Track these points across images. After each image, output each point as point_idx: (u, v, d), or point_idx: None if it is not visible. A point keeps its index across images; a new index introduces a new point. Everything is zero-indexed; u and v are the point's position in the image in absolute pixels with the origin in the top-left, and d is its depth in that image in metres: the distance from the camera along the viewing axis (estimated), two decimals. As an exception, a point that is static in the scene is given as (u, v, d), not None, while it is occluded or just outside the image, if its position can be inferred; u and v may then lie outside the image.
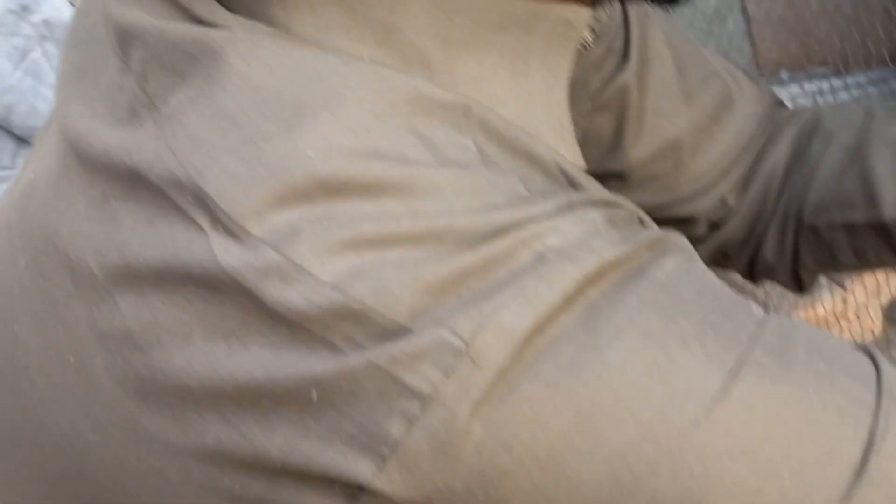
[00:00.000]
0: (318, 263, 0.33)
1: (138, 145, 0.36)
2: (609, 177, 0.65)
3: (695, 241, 0.65)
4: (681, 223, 0.67)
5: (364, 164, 0.34)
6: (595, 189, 0.41)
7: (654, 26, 0.62)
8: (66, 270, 0.37)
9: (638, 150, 0.63)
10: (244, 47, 0.36)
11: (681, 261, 0.37)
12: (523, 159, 0.39)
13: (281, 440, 0.34)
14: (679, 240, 0.39)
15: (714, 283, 0.38)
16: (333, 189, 0.34)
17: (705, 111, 0.64)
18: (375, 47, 0.38)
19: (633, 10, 0.60)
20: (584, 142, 0.62)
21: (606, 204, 0.39)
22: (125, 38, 0.39)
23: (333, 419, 0.34)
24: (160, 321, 0.35)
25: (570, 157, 0.42)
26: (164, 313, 0.34)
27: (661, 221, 0.66)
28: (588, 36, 0.44)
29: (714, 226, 0.67)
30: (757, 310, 0.38)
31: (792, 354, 0.36)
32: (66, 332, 0.37)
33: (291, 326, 0.33)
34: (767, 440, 0.34)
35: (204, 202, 0.34)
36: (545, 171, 0.39)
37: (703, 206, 0.66)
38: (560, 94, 0.43)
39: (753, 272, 0.69)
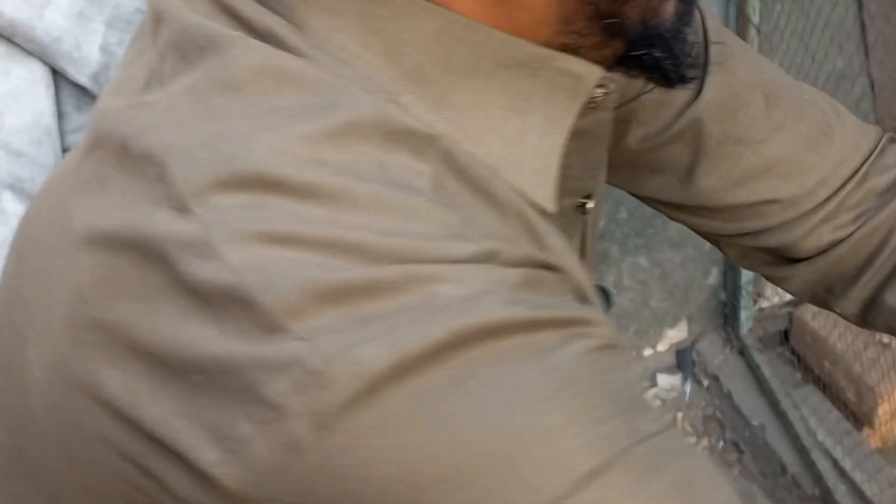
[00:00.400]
0: (230, 247, 0.36)
1: (134, 116, 0.40)
2: (694, 208, 0.65)
3: (794, 267, 0.66)
4: (777, 251, 0.67)
5: (304, 168, 0.37)
6: (553, 242, 0.43)
7: (737, 62, 0.63)
8: (63, 228, 0.41)
9: (715, 179, 0.64)
10: (243, 52, 0.39)
11: (591, 349, 0.38)
12: (481, 197, 0.40)
13: (160, 412, 0.36)
14: (602, 329, 0.39)
15: (621, 381, 0.38)
16: (269, 185, 0.37)
17: (799, 140, 0.64)
18: (379, 57, 0.41)
19: (711, 48, 0.62)
20: (660, 170, 0.64)
21: (542, 266, 0.40)
22: (157, 21, 0.43)
23: (205, 405, 0.36)
24: (106, 280, 0.38)
25: (543, 201, 0.43)
26: (111, 273, 0.38)
27: (758, 249, 0.66)
28: (600, 92, 0.46)
29: (818, 252, 0.66)
30: (659, 421, 0.39)
31: (659, 477, 0.37)
32: (49, 280, 0.41)
33: (196, 301, 0.36)
34: None
35: (164, 178, 0.38)
36: (502, 213, 0.41)
37: (795, 235, 0.65)
38: (555, 142, 0.44)
39: (868, 317, 0.67)
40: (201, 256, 0.36)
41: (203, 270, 0.36)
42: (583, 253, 0.56)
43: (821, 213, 0.65)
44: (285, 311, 0.35)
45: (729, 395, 1.77)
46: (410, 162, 0.39)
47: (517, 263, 0.38)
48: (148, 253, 0.37)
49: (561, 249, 0.43)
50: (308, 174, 0.37)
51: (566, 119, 0.45)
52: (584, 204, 0.52)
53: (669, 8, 0.45)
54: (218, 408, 0.35)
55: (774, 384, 1.71)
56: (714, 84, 0.62)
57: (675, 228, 1.73)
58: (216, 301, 0.36)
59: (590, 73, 0.45)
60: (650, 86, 0.53)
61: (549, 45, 0.43)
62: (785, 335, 1.86)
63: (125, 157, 0.40)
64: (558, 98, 0.44)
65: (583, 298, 0.43)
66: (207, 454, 0.35)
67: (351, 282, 0.35)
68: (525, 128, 0.43)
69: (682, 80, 0.47)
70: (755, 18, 1.57)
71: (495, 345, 0.36)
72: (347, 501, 0.35)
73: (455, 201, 0.39)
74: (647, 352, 1.84)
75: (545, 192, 0.43)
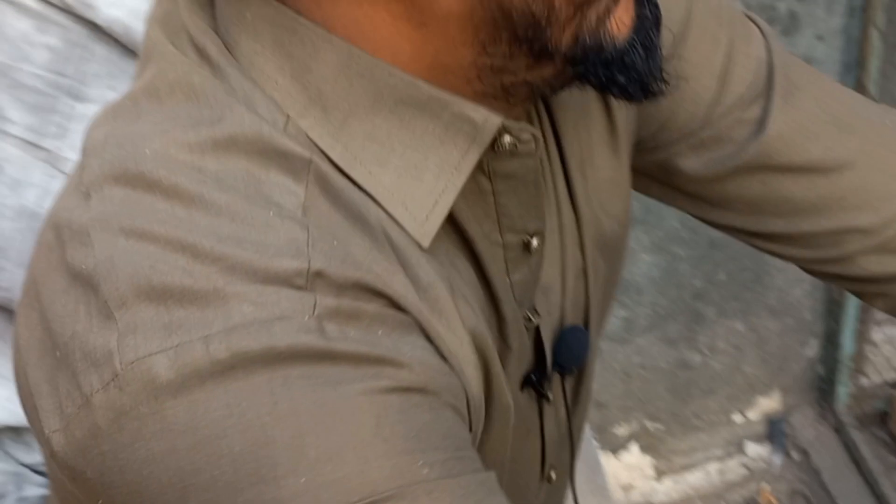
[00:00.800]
0: (100, 237, 0.41)
1: (97, 114, 0.48)
2: (770, 235, 0.65)
3: (881, 285, 0.64)
4: (860, 280, 0.65)
5: (179, 173, 0.41)
6: (424, 273, 0.45)
7: (804, 94, 0.62)
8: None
9: (789, 206, 0.63)
10: (170, 65, 0.45)
11: (379, 388, 0.40)
12: (352, 222, 0.43)
13: (39, 374, 0.42)
14: (405, 372, 0.41)
15: (407, 423, 0.40)
16: (148, 183, 0.42)
17: (878, 168, 0.63)
18: (289, 80, 0.45)
19: (777, 81, 0.62)
20: (731, 201, 0.64)
21: (377, 294, 0.42)
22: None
23: (59, 378, 0.41)
24: (37, 249, 0.46)
25: (419, 237, 0.45)
26: (40, 243, 0.46)
27: (841, 278, 0.66)
28: (508, 140, 0.48)
29: None
30: (442, 467, 0.40)
31: None
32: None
33: (71, 282, 0.41)
34: None
35: (83, 168, 0.44)
36: (372, 238, 0.44)
37: (879, 264, 0.64)
38: (451, 183, 0.46)
39: None
40: (82, 243, 0.41)
41: (79, 255, 0.41)
42: (533, 284, 0.56)
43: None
44: (115, 299, 0.39)
45: (818, 472, 1.71)
46: (287, 181, 0.43)
47: (342, 288, 0.41)
48: (58, 233, 0.43)
49: (431, 281, 0.45)
50: (179, 178, 0.41)
51: (464, 163, 0.46)
52: (529, 243, 0.53)
53: (621, 26, 0.46)
54: (62, 386, 0.41)
55: (874, 465, 1.65)
56: (778, 117, 0.61)
57: (774, 296, 1.69)
58: (81, 284, 0.41)
59: (487, 120, 0.46)
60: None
61: (475, 66, 0.45)
62: (883, 417, 1.79)
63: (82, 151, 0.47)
64: (456, 141, 0.46)
65: (410, 334, 0.43)
66: (51, 421, 0.41)
67: (170, 283, 0.39)
68: (423, 165, 0.46)
69: (647, 94, 0.48)
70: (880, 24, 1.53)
71: (278, 371, 0.38)
72: (129, 491, 0.39)
73: (322, 222, 0.42)
74: (738, 418, 1.80)
75: (426, 228, 0.45)
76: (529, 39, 0.44)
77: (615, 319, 1.63)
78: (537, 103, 0.54)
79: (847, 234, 0.63)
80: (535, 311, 0.56)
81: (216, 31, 0.46)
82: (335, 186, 0.44)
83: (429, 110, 0.46)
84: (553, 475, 0.64)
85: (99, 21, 0.94)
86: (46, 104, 0.95)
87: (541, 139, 0.50)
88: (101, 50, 0.97)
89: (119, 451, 0.39)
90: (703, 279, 1.65)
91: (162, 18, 0.47)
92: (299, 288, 0.40)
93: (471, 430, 0.47)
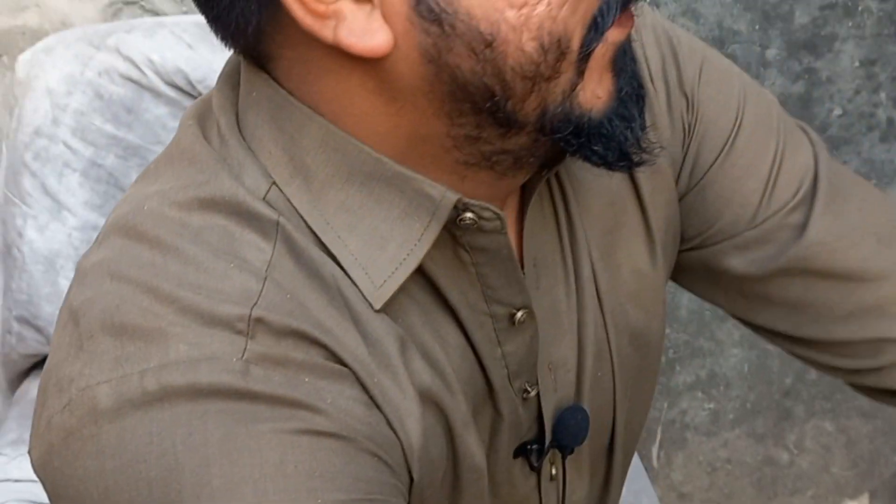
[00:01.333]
0: (92, 279, 0.47)
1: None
2: (803, 340, 0.65)
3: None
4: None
5: (164, 227, 0.48)
6: (374, 328, 0.49)
7: (848, 203, 0.64)
8: None
9: (825, 311, 0.64)
10: (183, 135, 0.53)
11: (290, 429, 0.44)
12: (311, 279, 0.48)
13: (37, 402, 0.48)
14: (320, 418, 0.45)
15: (312, 462, 0.43)
16: (137, 235, 0.48)
17: None
18: (280, 150, 0.50)
19: (820, 188, 0.64)
20: (769, 301, 0.65)
21: (314, 343, 0.46)
22: None
23: (43, 399, 0.47)
24: None
25: (372, 299, 0.50)
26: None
27: (875, 390, 0.67)
28: (470, 216, 0.51)
29: None
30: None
31: None
32: None
33: (67, 317, 0.48)
34: None
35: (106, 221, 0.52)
36: (327, 294, 0.48)
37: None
38: (412, 253, 0.50)
39: None
40: (80, 283, 0.48)
41: (75, 294, 0.48)
42: (529, 357, 0.57)
43: None
44: (87, 333, 0.45)
45: (908, 583, 1.66)
46: (257, 240, 0.48)
47: (278, 335, 0.45)
48: (75, 276, 0.50)
49: (380, 338, 0.49)
50: (162, 230, 0.48)
51: (426, 236, 0.50)
52: (514, 315, 0.55)
53: (595, 100, 0.49)
54: (39, 408, 0.47)
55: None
56: (819, 224, 0.62)
57: (865, 398, 1.66)
58: (72, 319, 0.47)
59: (444, 197, 0.50)
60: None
61: (450, 136, 0.49)
62: (978, 528, 1.73)
63: None
64: (419, 215, 0.50)
65: (349, 384, 0.47)
66: (31, 440, 0.47)
67: (129, 321, 0.45)
68: (388, 235, 0.50)
69: (627, 164, 0.51)
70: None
71: (199, 405, 0.43)
72: (70, 500, 0.44)
73: (284, 278, 0.47)
74: (824, 520, 1.76)
75: (380, 292, 0.50)
76: (491, 111, 0.48)
77: (702, 412, 1.62)
78: (541, 176, 0.56)
79: (883, 343, 0.63)
80: (535, 384, 0.58)
81: (236, 107, 0.52)
82: (299, 246, 0.49)
83: (395, 185, 0.50)
84: None
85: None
86: (175, 185, 1.01)
87: (506, 219, 0.52)
88: (227, 136, 1.03)
89: (65, 467, 0.44)
90: (793, 377, 1.63)
91: (200, 103, 0.55)
92: (238, 332, 0.45)
93: (412, 480, 0.50)
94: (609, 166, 0.51)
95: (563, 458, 0.62)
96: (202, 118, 0.53)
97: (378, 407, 0.48)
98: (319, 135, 0.49)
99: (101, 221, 0.97)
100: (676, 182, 0.64)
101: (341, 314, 0.48)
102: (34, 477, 0.97)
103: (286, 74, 0.50)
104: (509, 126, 0.49)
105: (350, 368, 0.48)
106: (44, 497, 0.96)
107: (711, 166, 0.64)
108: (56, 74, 0.99)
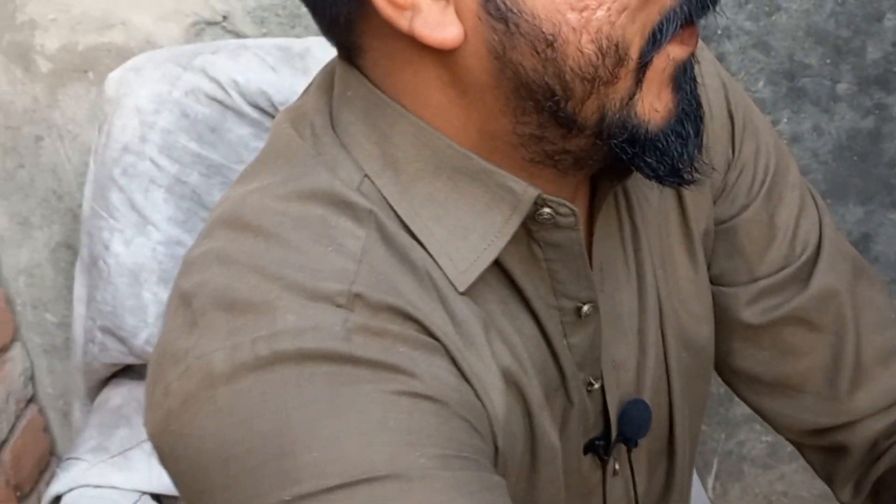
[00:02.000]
0: (201, 267, 0.52)
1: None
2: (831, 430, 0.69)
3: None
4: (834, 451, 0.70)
5: (267, 217, 0.52)
6: (459, 309, 0.52)
7: (843, 262, 0.69)
8: None
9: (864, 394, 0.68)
10: (278, 136, 0.57)
11: (391, 390, 0.47)
12: (401, 263, 0.52)
13: (148, 383, 0.52)
14: (418, 382, 0.48)
15: (411, 420, 0.47)
16: (243, 225, 0.52)
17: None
18: (372, 145, 0.54)
19: (824, 247, 0.69)
20: (789, 352, 0.69)
21: (408, 318, 0.49)
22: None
23: (156, 376, 0.51)
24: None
25: (457, 282, 0.53)
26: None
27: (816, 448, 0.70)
28: (548, 211, 0.54)
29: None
30: (435, 460, 0.46)
31: (410, 498, 0.45)
32: None
33: (179, 302, 0.52)
34: None
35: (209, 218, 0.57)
36: (417, 278, 0.52)
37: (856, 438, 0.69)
38: (493, 244, 0.54)
39: None
40: (189, 271, 0.52)
41: (186, 280, 0.52)
42: (592, 351, 0.61)
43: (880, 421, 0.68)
44: (199, 311, 0.49)
45: None
46: (353, 227, 0.52)
47: (375, 310, 0.49)
48: (182, 267, 0.53)
49: (465, 318, 0.53)
50: (264, 220, 0.52)
51: (506, 228, 0.53)
52: (581, 309, 0.58)
53: (653, 113, 0.51)
54: (156, 382, 0.50)
55: None
56: (821, 279, 0.67)
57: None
58: (183, 303, 0.51)
59: (525, 191, 0.53)
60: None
61: (516, 134, 0.52)
62: None
63: None
64: (501, 208, 0.53)
65: (440, 356, 0.51)
66: (147, 412, 0.51)
67: (239, 297, 0.49)
68: (471, 226, 0.53)
69: (677, 181, 0.53)
70: None
71: (306, 368, 0.47)
72: (189, 462, 0.47)
73: (376, 261, 0.51)
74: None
75: (464, 277, 0.53)
76: (553, 111, 0.51)
77: (759, 444, 1.61)
78: (615, 185, 0.59)
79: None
80: (598, 378, 0.61)
81: (330, 108, 0.56)
82: (391, 233, 0.52)
83: (479, 179, 0.53)
84: None
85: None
86: (255, 203, 1.04)
87: (580, 215, 0.55)
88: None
89: (184, 428, 0.48)
90: None
91: (291, 108, 0.59)
92: (339, 306, 0.49)
93: (497, 449, 0.53)
94: (660, 180, 0.53)
95: (629, 452, 0.65)
96: (295, 121, 0.57)
97: (466, 379, 0.51)
98: (410, 131, 0.53)
99: (184, 237, 1.00)
100: (714, 204, 0.68)
101: (430, 295, 0.52)
102: (113, 483, 1.00)
103: (373, 67, 0.54)
104: (570, 127, 0.51)
105: (440, 343, 0.51)
106: (122, 502, 0.99)
107: (742, 209, 0.67)
108: (145, 93, 1.02)
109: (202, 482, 0.47)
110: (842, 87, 1.28)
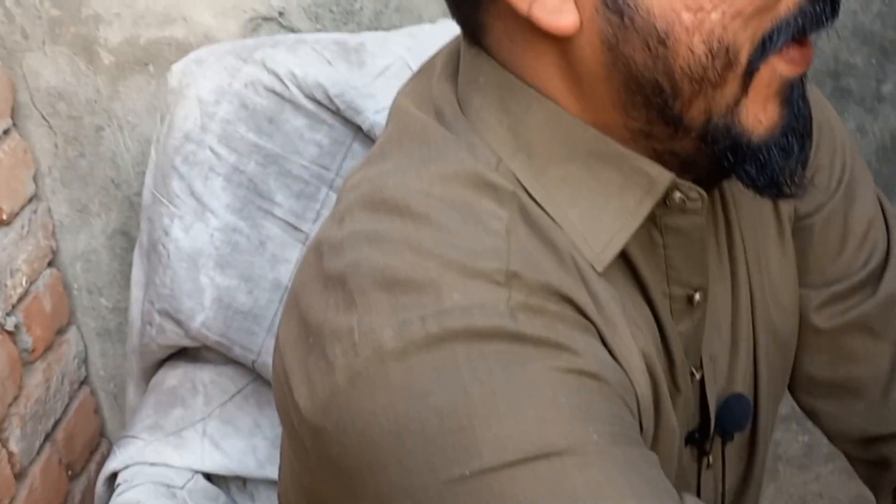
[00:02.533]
0: (351, 248, 0.52)
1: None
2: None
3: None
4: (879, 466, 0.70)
5: (412, 197, 0.52)
6: (600, 290, 0.53)
7: None
8: None
9: None
10: (411, 121, 0.57)
11: (558, 367, 0.48)
12: (543, 244, 0.52)
13: (293, 360, 0.53)
14: (580, 359, 0.48)
15: (579, 396, 0.47)
16: (389, 207, 0.52)
17: None
18: (505, 130, 0.54)
19: (892, 252, 0.69)
20: (818, 354, 0.69)
21: (562, 298, 0.50)
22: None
23: (308, 359, 0.52)
24: (300, 267, 0.58)
25: (594, 262, 0.54)
26: (303, 262, 0.58)
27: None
28: (679, 197, 0.55)
29: None
30: (608, 435, 0.46)
31: (585, 472, 0.46)
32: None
33: (325, 284, 0.52)
34: None
35: (338, 203, 0.58)
36: (559, 258, 0.52)
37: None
38: (625, 226, 0.54)
39: None
40: (336, 253, 0.52)
41: (333, 262, 0.52)
42: (696, 340, 0.61)
43: None
44: (358, 290, 0.49)
45: None
46: (495, 208, 0.52)
47: (532, 288, 0.49)
48: (318, 250, 0.54)
49: (607, 300, 0.53)
50: (411, 201, 0.52)
51: (639, 210, 0.54)
52: (692, 296, 0.59)
53: (756, 124, 0.52)
54: (312, 361, 0.50)
55: None
56: (888, 287, 0.66)
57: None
58: (333, 283, 0.51)
59: (660, 175, 0.54)
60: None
61: (627, 128, 0.53)
62: None
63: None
64: (634, 191, 0.54)
65: (592, 336, 0.51)
66: (301, 390, 0.50)
67: (399, 276, 0.49)
68: (604, 208, 0.54)
69: (777, 194, 0.53)
70: None
71: (476, 345, 0.47)
72: (359, 437, 0.48)
73: (520, 241, 0.51)
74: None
75: (601, 258, 0.54)
76: (661, 108, 0.52)
77: (795, 444, 1.62)
78: (712, 189, 0.60)
79: None
80: (699, 368, 0.62)
81: (456, 94, 0.57)
82: (532, 215, 0.53)
83: (612, 163, 0.54)
84: None
85: (363, 124, 1.06)
86: (309, 193, 1.07)
87: (707, 199, 0.56)
88: (360, 149, 1.08)
89: (352, 404, 0.48)
90: (890, 414, 1.62)
91: (410, 92, 0.60)
92: (498, 283, 0.49)
93: (641, 429, 0.54)
94: (758, 191, 0.54)
95: (724, 446, 0.66)
96: (418, 103, 0.58)
97: (616, 359, 0.52)
98: (545, 115, 0.54)
99: (241, 224, 1.03)
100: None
101: (572, 276, 0.52)
102: (168, 461, 1.03)
103: (497, 47, 0.55)
104: (676, 127, 0.53)
105: (593, 323, 0.52)
106: (176, 480, 1.02)
107: (819, 208, 0.68)
108: (206, 84, 1.05)
109: (372, 456, 0.48)
110: (886, 88, 1.29)
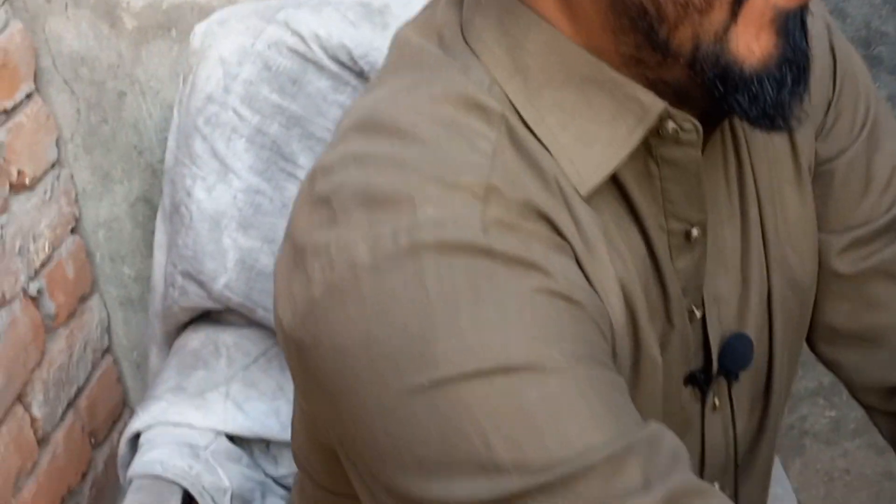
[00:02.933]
0: (338, 170, 0.53)
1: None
2: None
3: None
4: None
5: (398, 117, 0.53)
6: (583, 215, 0.53)
7: None
8: None
9: None
10: (406, 44, 0.58)
11: (529, 286, 0.48)
12: (529, 166, 0.53)
13: (281, 280, 0.54)
14: (551, 280, 0.49)
15: (546, 315, 0.48)
16: (375, 128, 0.53)
17: None
18: (503, 51, 0.55)
19: None
20: (840, 302, 0.68)
21: (541, 217, 0.51)
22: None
23: (292, 275, 0.53)
24: (296, 196, 0.59)
25: (580, 186, 0.54)
26: (299, 191, 0.58)
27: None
28: (671, 126, 0.55)
29: None
30: (571, 358, 0.47)
31: (541, 388, 0.47)
32: None
33: (314, 204, 0.54)
34: None
35: (336, 128, 0.58)
36: (544, 181, 0.53)
37: None
38: (616, 153, 0.54)
39: None
40: (326, 176, 0.53)
41: (322, 184, 0.53)
42: (697, 279, 0.61)
43: None
44: (340, 209, 0.50)
45: None
46: (483, 127, 0.53)
47: (510, 204, 0.50)
48: (312, 176, 0.55)
49: (589, 224, 0.54)
50: (400, 121, 0.52)
51: (630, 139, 0.54)
52: (690, 232, 0.59)
53: (748, 54, 0.51)
54: (294, 278, 0.51)
55: None
56: None
57: None
58: (321, 204, 0.52)
59: (653, 103, 0.54)
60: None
61: (618, 53, 0.53)
62: None
63: None
64: (626, 118, 0.54)
65: (568, 257, 0.52)
66: (284, 306, 0.52)
67: (378, 192, 0.50)
68: (595, 135, 0.54)
69: (769, 126, 0.53)
70: None
71: (445, 258, 0.48)
72: (333, 347, 0.49)
73: (506, 161, 0.52)
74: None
75: (587, 183, 0.54)
76: (646, 31, 0.51)
77: (823, 419, 1.60)
78: (714, 126, 0.59)
79: None
80: (700, 306, 0.61)
81: (460, 19, 0.57)
82: (520, 136, 0.53)
83: (607, 89, 0.54)
84: (716, 487, 0.67)
85: (387, 86, 1.05)
86: (332, 155, 1.06)
87: (701, 131, 0.55)
88: (383, 111, 1.07)
89: (327, 315, 0.49)
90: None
91: (413, 23, 0.60)
92: (475, 197, 0.49)
93: (615, 355, 0.54)
94: (750, 121, 0.53)
95: (729, 387, 0.65)
96: (420, 32, 0.58)
97: (590, 282, 0.53)
98: (543, 39, 0.54)
99: (263, 185, 1.02)
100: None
101: (556, 198, 0.53)
102: (191, 422, 1.02)
103: None
104: (664, 53, 0.52)
105: (570, 245, 0.52)
106: (200, 441, 1.02)
107: (840, 153, 0.67)
108: (229, 45, 1.05)
109: (344, 365, 0.49)
110: (919, 56, 1.27)
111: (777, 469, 1.04)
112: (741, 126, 0.62)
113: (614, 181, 0.56)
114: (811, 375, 1.56)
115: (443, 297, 0.47)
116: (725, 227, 0.62)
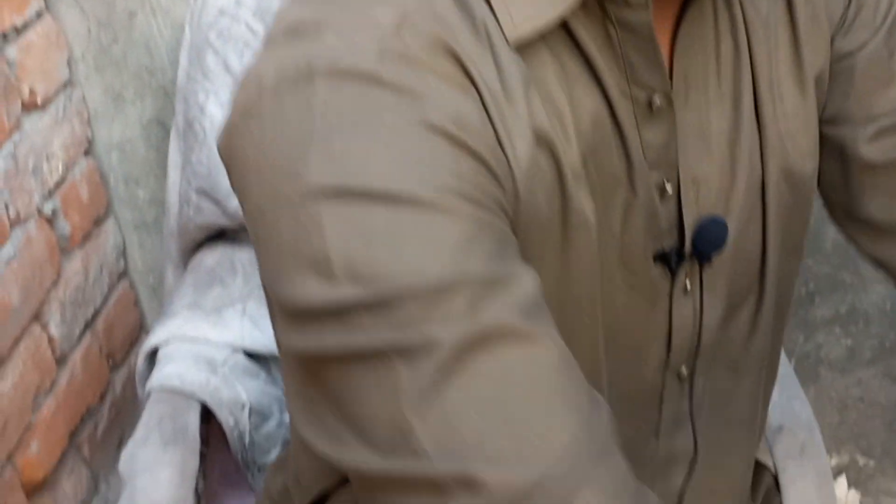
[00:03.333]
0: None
1: None
2: None
3: None
4: None
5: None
6: (507, 65, 0.53)
7: None
8: None
9: None
10: None
11: (411, 116, 0.50)
12: (463, 11, 0.53)
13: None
14: (433, 112, 0.50)
15: (422, 149, 0.49)
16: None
17: None
18: None
19: None
20: (877, 196, 0.68)
21: (449, 53, 0.52)
22: None
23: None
24: None
25: (510, 34, 0.54)
26: None
27: None
28: None
29: None
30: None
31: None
32: None
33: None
34: None
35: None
36: (473, 25, 0.53)
37: None
38: (556, 7, 0.54)
39: None
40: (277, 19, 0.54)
41: (272, 26, 0.54)
42: (667, 154, 0.61)
43: None
44: (270, 41, 0.53)
45: None
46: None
47: (419, 36, 0.51)
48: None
49: (511, 72, 0.54)
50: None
51: None
52: (651, 99, 0.58)
53: None
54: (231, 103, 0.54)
55: None
56: None
57: None
58: (267, 38, 0.54)
59: None
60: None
61: None
62: None
63: None
64: None
65: (471, 98, 0.52)
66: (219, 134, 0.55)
67: (300, 23, 0.52)
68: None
69: None
70: None
71: (336, 83, 0.50)
72: (244, 160, 0.52)
73: (438, 6, 0.52)
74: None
75: (516, 33, 0.54)
76: None
77: (838, 348, 1.60)
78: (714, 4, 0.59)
79: None
80: (673, 183, 0.61)
81: None
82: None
83: None
84: (684, 372, 0.68)
85: None
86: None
87: None
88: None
89: (240, 136, 0.53)
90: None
91: None
92: (379, 27, 0.51)
93: (518, 198, 0.55)
94: None
95: (701, 270, 0.64)
96: None
97: (492, 124, 0.53)
98: None
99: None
100: (832, 43, 0.66)
101: (481, 44, 0.53)
102: (208, 336, 1.03)
103: None
104: None
105: (476, 86, 0.53)
106: (217, 356, 1.02)
107: (862, 46, 0.66)
108: (241, -43, 1.03)
109: (246, 182, 0.53)
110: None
111: (794, 384, 1.04)
112: (742, 11, 0.61)
113: (573, 39, 0.56)
114: (828, 303, 1.56)
115: (325, 120, 0.50)
116: (712, 109, 0.61)
